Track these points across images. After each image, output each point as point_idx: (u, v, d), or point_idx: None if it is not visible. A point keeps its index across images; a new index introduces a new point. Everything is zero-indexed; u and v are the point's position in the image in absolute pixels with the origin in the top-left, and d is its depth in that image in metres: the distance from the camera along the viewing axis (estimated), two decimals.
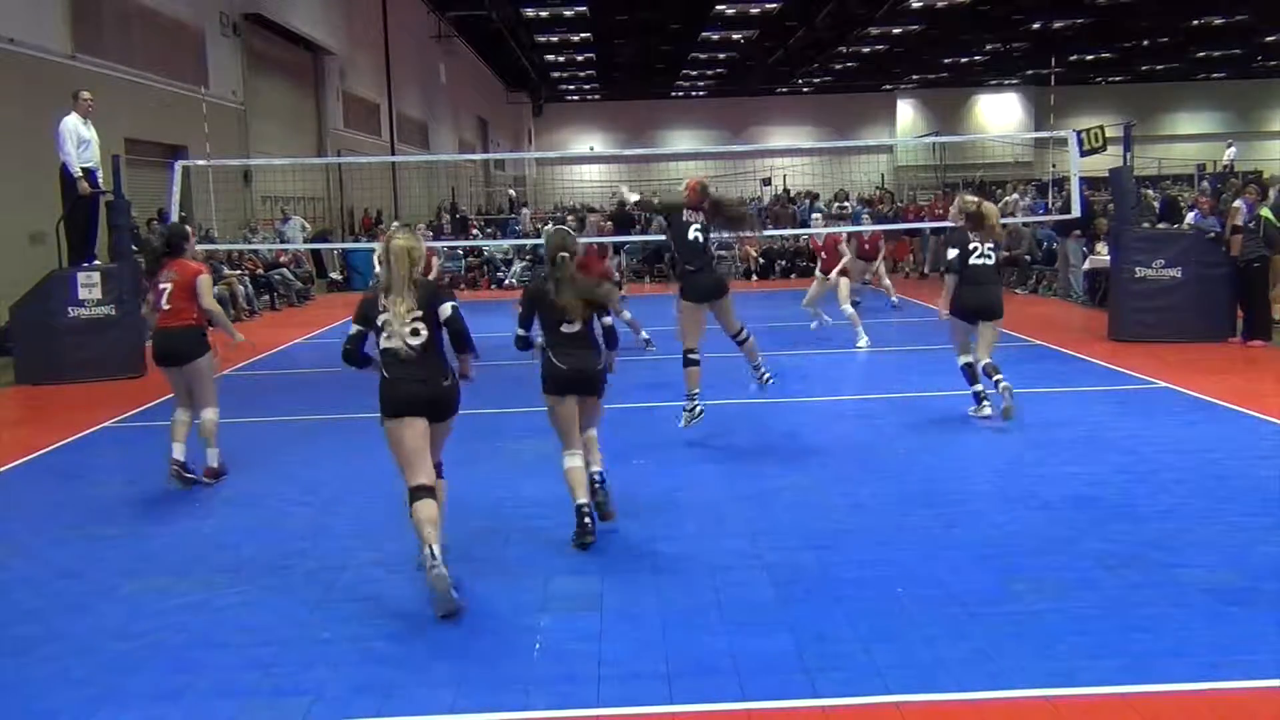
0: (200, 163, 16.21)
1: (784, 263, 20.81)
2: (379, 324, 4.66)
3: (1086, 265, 14.91)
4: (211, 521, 5.85)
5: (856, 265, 13.57)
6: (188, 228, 7.99)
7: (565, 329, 5.28)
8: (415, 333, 4.61)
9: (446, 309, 4.68)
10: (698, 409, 7.43)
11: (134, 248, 11.41)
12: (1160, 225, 13.74)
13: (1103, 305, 13.13)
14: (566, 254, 5.23)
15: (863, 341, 11.50)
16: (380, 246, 4.84)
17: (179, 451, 6.50)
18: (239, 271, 16.97)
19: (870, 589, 4.56)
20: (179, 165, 13.02)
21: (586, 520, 5.18)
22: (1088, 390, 8.84)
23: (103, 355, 10.63)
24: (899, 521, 5.50)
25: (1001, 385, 7.46)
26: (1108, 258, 12.96)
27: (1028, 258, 17.10)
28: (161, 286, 6.61)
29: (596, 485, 5.39)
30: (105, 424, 8.53)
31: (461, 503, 6.01)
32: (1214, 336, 10.98)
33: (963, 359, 7.83)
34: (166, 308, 6.56)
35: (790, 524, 5.50)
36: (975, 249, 7.58)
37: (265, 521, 5.81)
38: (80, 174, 10.61)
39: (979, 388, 7.74)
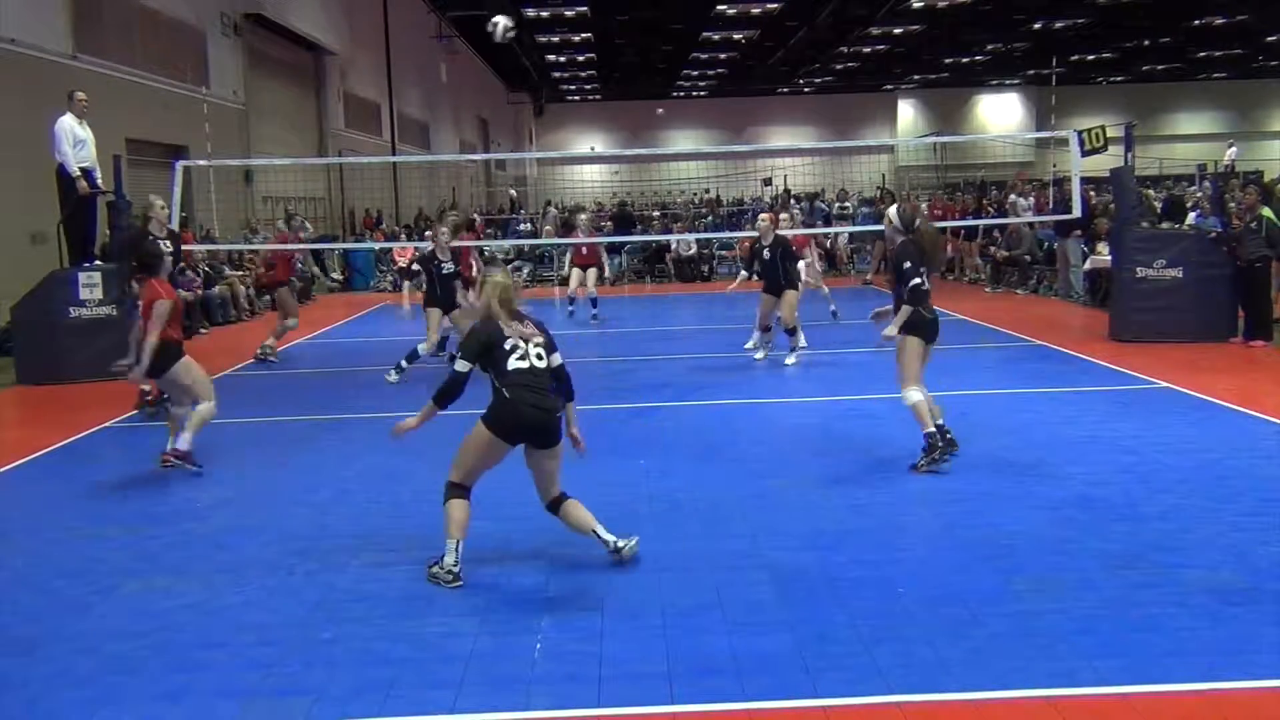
0: (201, 163, 16.21)
1: None
2: (506, 348, 4.77)
3: (1087, 265, 14.90)
4: (211, 521, 5.84)
5: (575, 274, 14.85)
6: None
7: None
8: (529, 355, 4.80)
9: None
10: None
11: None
12: (1164, 225, 13.71)
13: (1103, 305, 13.12)
14: None
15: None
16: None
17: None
18: (240, 272, 16.95)
19: (871, 589, 4.56)
20: (180, 165, 13.02)
21: None
22: (1088, 390, 8.82)
23: (103, 355, 10.52)
24: (899, 521, 5.50)
25: None
26: (1108, 258, 12.95)
27: (1028, 258, 17.09)
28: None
29: None
30: (105, 424, 8.53)
31: None
32: (1215, 336, 10.97)
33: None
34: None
35: (791, 524, 5.49)
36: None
37: (265, 521, 5.80)
38: (78, 173, 10.59)
39: None
